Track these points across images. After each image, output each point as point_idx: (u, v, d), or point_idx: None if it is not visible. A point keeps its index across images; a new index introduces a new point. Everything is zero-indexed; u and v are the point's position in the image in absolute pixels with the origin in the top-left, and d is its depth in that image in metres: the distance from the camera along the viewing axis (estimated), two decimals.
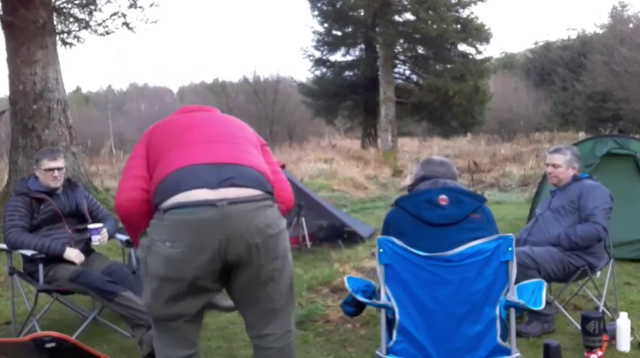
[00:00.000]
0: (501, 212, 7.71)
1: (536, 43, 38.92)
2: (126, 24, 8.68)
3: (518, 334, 2.97)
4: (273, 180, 2.24)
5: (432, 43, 20.27)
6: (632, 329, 3.30)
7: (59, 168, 3.65)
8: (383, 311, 2.48)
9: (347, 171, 13.55)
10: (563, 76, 32.89)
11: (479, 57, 21.02)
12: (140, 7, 8.74)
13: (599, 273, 3.77)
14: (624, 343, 3.25)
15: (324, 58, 22.94)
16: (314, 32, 22.33)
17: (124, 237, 4.03)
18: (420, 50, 21.83)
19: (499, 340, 2.42)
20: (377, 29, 20.33)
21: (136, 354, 3.30)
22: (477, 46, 20.64)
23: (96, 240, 3.62)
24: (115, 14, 8.62)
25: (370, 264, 5.04)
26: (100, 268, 3.56)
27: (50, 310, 3.87)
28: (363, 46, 22.46)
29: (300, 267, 5.26)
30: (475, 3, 19.92)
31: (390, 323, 2.48)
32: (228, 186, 2.00)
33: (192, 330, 2.24)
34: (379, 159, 16.93)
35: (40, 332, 2.96)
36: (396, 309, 2.44)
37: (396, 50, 21.06)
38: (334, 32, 22.35)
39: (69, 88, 44.77)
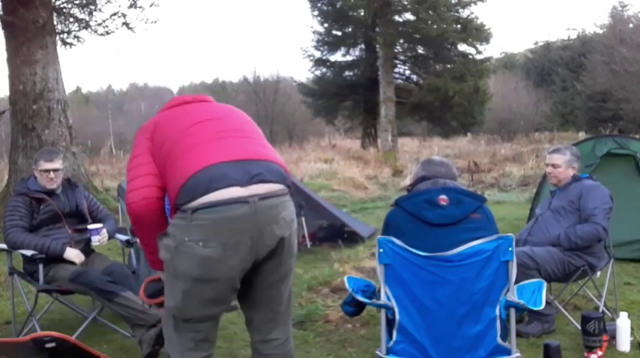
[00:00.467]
0: (501, 212, 7.71)
1: (536, 43, 38.94)
2: (126, 24, 8.70)
3: (518, 334, 2.97)
4: None
5: (432, 43, 20.28)
6: (632, 329, 3.30)
7: (55, 170, 3.64)
8: (383, 311, 2.49)
9: (347, 171, 13.55)
10: (563, 76, 32.90)
11: (479, 57, 21.04)
12: (140, 7, 8.77)
13: (599, 273, 3.77)
14: (624, 343, 3.25)
15: (324, 58, 22.95)
16: (314, 32, 22.35)
17: (123, 237, 4.03)
18: (420, 50, 21.83)
19: (499, 340, 2.42)
20: (377, 29, 20.33)
21: (136, 354, 3.30)
22: (477, 46, 20.65)
23: (96, 240, 3.62)
24: (115, 14, 8.64)
25: (370, 264, 5.04)
26: (100, 268, 3.56)
27: (50, 310, 3.87)
28: (363, 46, 22.46)
29: (300, 267, 5.26)
30: (475, 3, 19.93)
31: (390, 323, 2.48)
32: (258, 183, 1.99)
33: (214, 330, 2.22)
34: (379, 159, 16.93)
35: (40, 332, 2.96)
36: (396, 309, 2.44)
37: (396, 50, 21.06)
38: (334, 32, 22.35)
39: (69, 88, 44.78)
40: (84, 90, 46.70)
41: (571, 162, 3.74)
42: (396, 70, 21.78)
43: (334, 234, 6.58)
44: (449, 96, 19.58)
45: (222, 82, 38.91)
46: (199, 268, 1.99)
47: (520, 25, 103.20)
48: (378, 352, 2.48)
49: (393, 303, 2.44)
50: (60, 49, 8.36)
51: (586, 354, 3.15)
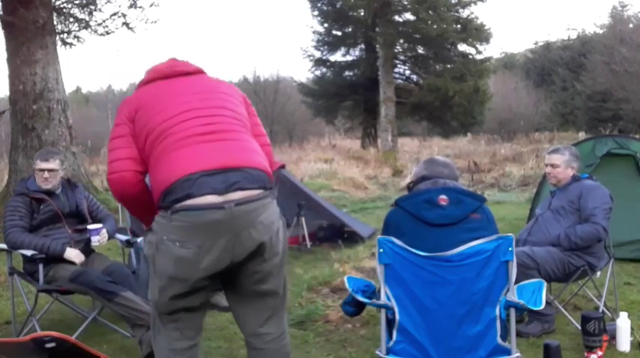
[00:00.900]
0: (501, 212, 7.71)
1: (536, 43, 38.93)
2: (126, 24, 8.69)
3: (518, 334, 2.97)
4: (258, 143, 2.26)
5: (432, 43, 20.28)
6: (632, 329, 3.30)
7: (50, 170, 3.63)
8: (383, 311, 2.49)
9: (347, 171, 13.55)
10: (563, 76, 32.89)
11: (479, 57, 21.03)
12: (140, 7, 8.76)
13: (599, 273, 3.77)
14: (624, 343, 3.25)
15: (324, 58, 22.95)
16: (314, 32, 22.35)
17: (123, 237, 4.03)
18: (420, 50, 21.83)
19: (499, 340, 2.42)
20: (377, 29, 20.33)
21: (136, 354, 3.30)
22: (477, 46, 20.65)
23: (95, 240, 3.62)
24: (115, 14, 8.64)
25: (370, 264, 5.03)
26: (100, 268, 3.56)
27: (50, 310, 3.87)
28: (363, 46, 22.46)
29: (300, 267, 5.26)
30: (475, 3, 19.93)
31: (390, 323, 2.48)
32: (236, 190, 2.04)
33: (195, 320, 2.28)
34: (379, 159, 16.93)
35: (40, 332, 2.96)
36: (396, 309, 2.44)
37: (396, 50, 21.06)
38: (334, 32, 22.35)
39: (69, 88, 44.79)
40: (84, 91, 46.68)
41: (570, 162, 3.74)
42: (396, 70, 21.79)
43: (334, 234, 6.58)
44: (449, 96, 19.58)
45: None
46: (174, 267, 2.08)
47: (520, 25, 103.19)
48: (378, 352, 2.48)
49: (393, 303, 2.44)
50: (60, 49, 8.37)
51: (586, 354, 3.15)
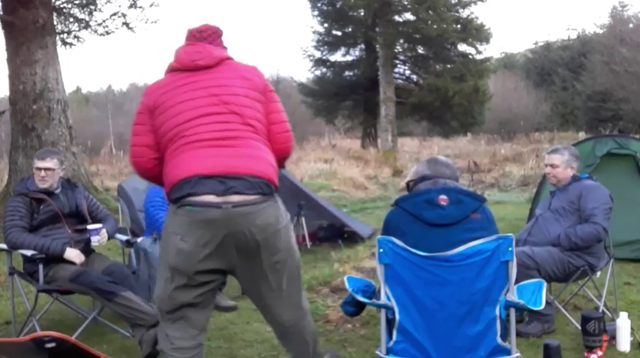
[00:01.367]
0: (501, 212, 7.71)
1: (536, 43, 38.92)
2: (126, 24, 8.69)
3: (518, 334, 2.97)
4: (273, 131, 2.42)
5: (432, 43, 20.27)
6: (632, 329, 3.30)
7: (47, 169, 3.62)
8: (383, 311, 2.49)
9: (347, 171, 13.55)
10: (563, 76, 32.89)
11: (479, 57, 21.03)
12: (140, 7, 8.75)
13: (599, 273, 3.77)
14: (624, 343, 3.25)
15: (324, 58, 22.94)
16: (314, 32, 22.34)
17: (123, 237, 4.03)
18: (420, 50, 21.83)
19: (499, 340, 2.42)
20: (377, 29, 20.33)
21: (136, 354, 3.30)
22: (477, 46, 20.64)
23: (95, 240, 3.62)
24: (115, 14, 8.63)
25: (370, 264, 5.03)
26: (100, 268, 3.55)
27: (50, 310, 3.87)
28: (363, 46, 22.45)
29: (300, 267, 5.25)
30: (475, 3, 19.93)
31: (390, 323, 2.48)
32: (232, 194, 2.21)
33: (198, 319, 2.41)
34: (379, 159, 16.93)
35: (40, 332, 2.96)
36: (396, 309, 2.44)
37: (396, 50, 21.05)
38: (334, 32, 22.34)
39: (69, 88, 44.80)
40: (84, 91, 46.69)
41: (570, 162, 3.74)
42: (396, 70, 21.78)
43: (334, 234, 6.58)
44: (449, 96, 19.57)
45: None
46: (175, 258, 2.28)
47: (520, 25, 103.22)
48: (378, 352, 2.48)
49: (393, 303, 2.44)
50: (60, 49, 8.36)
51: (586, 354, 3.15)
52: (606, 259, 3.71)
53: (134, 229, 4.47)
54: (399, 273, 2.44)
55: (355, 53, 22.76)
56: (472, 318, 2.40)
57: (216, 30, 2.57)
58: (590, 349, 3.14)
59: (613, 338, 3.28)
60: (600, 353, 3.13)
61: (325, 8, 21.65)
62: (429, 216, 2.47)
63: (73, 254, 3.55)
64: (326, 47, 22.63)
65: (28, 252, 3.45)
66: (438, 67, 21.67)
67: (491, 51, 64.46)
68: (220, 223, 2.20)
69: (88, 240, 3.65)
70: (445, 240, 2.42)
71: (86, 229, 3.66)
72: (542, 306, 2.55)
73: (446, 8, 19.57)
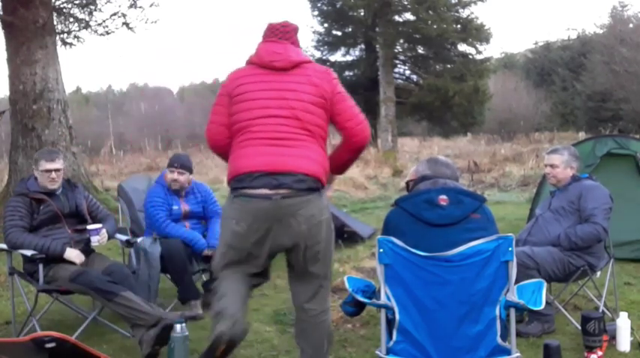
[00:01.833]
0: (501, 212, 7.71)
1: (536, 43, 38.91)
2: (126, 24, 8.68)
3: (518, 334, 2.97)
4: (348, 125, 2.70)
5: (432, 43, 20.28)
6: (632, 329, 3.30)
7: (57, 170, 3.64)
8: (383, 311, 2.49)
9: (347, 171, 13.52)
10: (563, 76, 32.89)
11: (479, 57, 21.03)
12: (140, 7, 8.74)
13: (599, 273, 3.77)
14: (624, 343, 3.25)
15: (324, 58, 22.91)
16: (314, 32, 22.34)
17: (123, 237, 4.04)
18: (420, 50, 21.83)
19: (499, 340, 2.42)
20: (377, 29, 20.33)
21: (136, 354, 3.30)
22: (477, 46, 20.64)
23: (95, 240, 3.62)
24: (115, 14, 8.62)
25: (370, 264, 5.03)
26: (100, 268, 3.55)
27: (50, 310, 3.87)
28: (363, 46, 22.45)
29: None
30: (475, 3, 19.94)
31: (390, 323, 2.48)
32: (282, 188, 2.54)
33: (246, 291, 2.70)
34: (379, 159, 16.91)
35: (40, 332, 2.96)
36: (396, 309, 2.44)
37: (396, 50, 21.05)
38: (334, 32, 22.34)
39: (69, 88, 44.79)
40: (84, 91, 46.72)
41: (569, 162, 3.74)
42: (396, 70, 21.78)
43: (334, 234, 6.56)
44: (449, 96, 19.57)
45: (223, 82, 38.73)
46: (231, 238, 2.64)
47: (520, 25, 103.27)
48: (378, 352, 2.48)
49: (393, 303, 2.44)
50: (60, 49, 8.35)
51: (586, 354, 3.15)
52: (606, 259, 3.71)
53: (134, 229, 4.47)
54: (399, 273, 2.44)
55: (355, 53, 22.78)
56: (472, 318, 2.40)
57: (296, 27, 2.82)
58: (590, 349, 3.14)
59: (613, 338, 3.28)
60: (600, 353, 3.13)
61: (325, 8, 21.65)
62: (429, 216, 2.47)
63: (73, 254, 3.55)
64: (326, 47, 22.63)
65: (28, 252, 3.45)
66: (438, 67, 21.67)
67: (491, 51, 64.48)
68: (270, 212, 2.53)
69: (88, 240, 3.66)
70: (445, 240, 2.42)
71: (86, 229, 3.66)
72: (542, 306, 2.55)
73: (446, 8, 19.58)
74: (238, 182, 2.61)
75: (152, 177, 4.77)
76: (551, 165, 3.78)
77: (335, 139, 3.08)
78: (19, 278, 3.66)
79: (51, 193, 3.65)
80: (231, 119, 2.69)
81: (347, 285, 2.67)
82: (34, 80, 7.67)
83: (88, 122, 29.63)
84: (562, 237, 3.55)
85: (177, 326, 3.07)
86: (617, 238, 4.35)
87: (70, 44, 8.89)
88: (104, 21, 8.65)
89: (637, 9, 41.51)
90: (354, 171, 13.83)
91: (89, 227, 3.63)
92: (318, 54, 22.66)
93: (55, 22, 8.24)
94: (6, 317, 4.15)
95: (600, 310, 3.58)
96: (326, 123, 2.72)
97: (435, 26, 18.77)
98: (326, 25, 22.18)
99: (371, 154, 17.44)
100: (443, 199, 2.48)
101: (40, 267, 3.41)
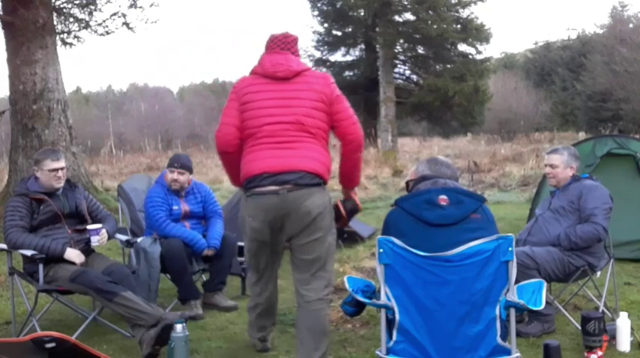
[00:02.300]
0: (501, 212, 7.71)
1: (536, 43, 38.98)
2: (126, 24, 8.68)
3: (518, 334, 2.97)
4: (342, 125, 3.02)
5: (432, 43, 20.26)
6: (632, 329, 3.30)
7: (62, 168, 3.66)
8: (383, 311, 2.48)
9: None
10: (563, 76, 32.92)
11: (479, 57, 21.02)
12: (140, 7, 8.73)
13: (599, 273, 3.77)
14: (624, 343, 3.25)
15: (324, 58, 22.93)
16: (314, 32, 22.35)
17: (123, 237, 4.04)
18: (420, 50, 21.81)
19: (499, 340, 2.42)
20: (377, 29, 20.32)
21: (136, 354, 3.30)
22: (477, 46, 20.63)
23: (95, 240, 3.62)
24: (115, 14, 8.61)
25: (370, 264, 5.03)
26: (100, 268, 3.55)
27: (50, 310, 3.87)
28: (363, 46, 22.45)
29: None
30: (475, 3, 19.92)
31: (390, 323, 2.48)
32: (288, 184, 2.85)
33: (274, 273, 3.26)
34: (379, 159, 16.91)
35: (40, 332, 2.96)
36: (396, 309, 2.44)
37: (396, 50, 21.04)
38: (334, 32, 22.34)
39: (69, 88, 44.78)
40: (84, 91, 46.74)
41: (569, 162, 3.74)
42: (396, 70, 21.77)
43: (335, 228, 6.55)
44: (449, 96, 19.56)
45: (223, 81, 38.88)
46: (251, 233, 3.03)
47: (520, 25, 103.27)
48: (378, 352, 2.48)
49: (393, 303, 2.44)
50: (60, 49, 8.35)
51: (586, 354, 3.15)
52: (606, 259, 3.71)
53: (134, 229, 4.47)
54: (399, 273, 2.44)
55: (355, 53, 22.78)
56: (472, 318, 2.40)
57: (296, 38, 3.11)
58: (590, 349, 3.14)
59: (613, 338, 3.28)
60: (600, 353, 3.13)
61: (325, 8, 21.64)
62: (429, 217, 2.47)
63: (74, 254, 3.55)
64: (326, 47, 22.63)
65: (28, 252, 3.45)
66: (438, 67, 21.66)
67: (491, 51, 64.55)
68: (279, 205, 2.86)
69: (88, 240, 3.65)
70: (445, 240, 2.42)
71: (86, 229, 3.66)
72: (542, 306, 2.54)
73: (446, 8, 19.56)
74: (250, 182, 2.93)
75: (152, 177, 4.77)
76: (551, 165, 3.78)
77: (334, 139, 3.13)
78: (19, 278, 3.66)
79: (51, 193, 3.65)
80: (242, 125, 2.98)
81: (347, 285, 2.67)
82: (34, 80, 7.67)
83: (88, 122, 29.64)
84: (562, 237, 3.55)
85: (178, 326, 3.07)
86: (617, 238, 4.35)
87: (70, 44, 8.90)
88: (104, 21, 8.65)
89: (637, 9, 41.56)
90: None
91: (89, 227, 3.63)
92: (318, 54, 22.72)
93: (55, 22, 8.23)
94: (6, 317, 4.15)
95: (600, 310, 3.58)
96: (326, 124, 3.01)
97: (435, 26, 18.75)
98: (326, 25, 22.18)
99: (371, 154, 17.45)
100: (443, 199, 2.48)
101: (40, 267, 3.41)
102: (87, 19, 8.72)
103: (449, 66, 20.88)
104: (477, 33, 19.93)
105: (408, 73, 22.73)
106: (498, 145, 21.16)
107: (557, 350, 2.99)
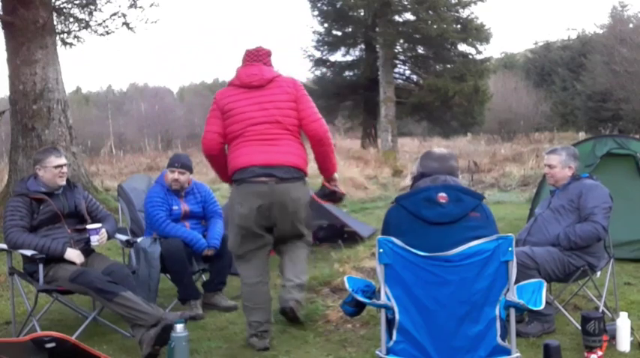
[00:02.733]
0: (501, 212, 7.70)
1: (536, 43, 38.97)
2: (126, 24, 8.67)
3: (518, 334, 2.97)
4: (304, 122, 3.40)
5: (432, 43, 20.24)
6: (632, 329, 3.30)
7: (65, 165, 3.69)
8: (383, 311, 2.48)
9: (347, 171, 13.51)
10: (563, 76, 32.92)
11: (479, 57, 20.99)
12: (140, 7, 8.73)
13: (599, 273, 3.77)
14: (624, 343, 3.25)
15: (324, 58, 22.90)
16: (314, 32, 22.31)
17: (123, 237, 4.03)
18: (420, 50, 21.79)
19: (499, 340, 2.42)
20: (377, 29, 20.30)
21: (136, 354, 3.30)
22: (477, 46, 20.60)
23: (95, 240, 3.62)
24: (115, 14, 8.61)
25: (370, 264, 5.03)
26: (100, 268, 3.55)
27: (50, 310, 3.87)
28: (363, 46, 22.42)
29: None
30: (475, 3, 19.90)
31: (390, 323, 2.48)
32: (275, 177, 3.28)
33: (260, 263, 3.48)
34: (379, 159, 16.90)
35: (40, 332, 2.96)
36: (396, 309, 2.44)
37: (396, 50, 21.02)
38: (334, 32, 22.31)
39: (69, 88, 44.77)
40: (84, 91, 46.75)
41: (567, 162, 3.74)
42: (396, 70, 21.74)
43: (334, 234, 6.57)
44: (449, 96, 19.54)
45: (223, 82, 38.86)
46: (238, 219, 3.37)
47: (520, 25, 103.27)
48: (378, 352, 2.48)
49: (393, 303, 2.44)
50: (60, 49, 8.34)
51: (586, 354, 3.15)
52: (606, 259, 3.71)
53: (134, 229, 4.47)
54: (399, 273, 2.44)
55: (355, 53, 22.75)
56: (472, 318, 2.40)
57: (268, 51, 3.54)
58: (590, 349, 3.13)
59: (613, 338, 3.28)
60: (600, 353, 3.13)
61: (325, 8, 21.62)
62: (428, 215, 2.46)
63: (74, 254, 3.55)
64: (326, 47, 22.60)
65: (28, 252, 3.45)
66: (438, 67, 21.64)
67: (491, 51, 64.53)
68: (267, 194, 3.28)
69: (88, 240, 3.66)
70: (445, 238, 2.42)
71: (86, 229, 3.66)
72: (542, 306, 2.54)
73: (446, 8, 19.54)
74: (240, 174, 3.32)
75: (152, 177, 4.78)
76: (549, 166, 3.79)
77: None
78: (19, 278, 3.66)
79: (51, 193, 3.65)
80: (225, 130, 3.40)
81: (347, 285, 2.67)
82: (34, 80, 7.67)
83: (88, 122, 29.64)
84: (561, 236, 3.55)
85: (177, 326, 3.08)
86: (617, 238, 4.35)
87: (70, 44, 8.89)
88: (104, 21, 8.64)
89: (637, 9, 41.56)
90: (354, 171, 13.83)
91: (89, 227, 3.63)
92: (318, 54, 22.69)
93: (55, 22, 8.23)
94: (6, 317, 4.15)
95: (600, 310, 3.58)
96: (299, 121, 3.42)
97: (435, 26, 18.73)
98: (326, 25, 22.15)
99: (371, 154, 17.45)
100: (442, 197, 2.47)
101: (40, 267, 3.41)
102: (87, 19, 8.72)
103: (449, 66, 20.86)
104: (476, 33, 19.91)
105: (408, 73, 22.72)
106: (498, 145, 21.16)
107: (557, 350, 2.99)
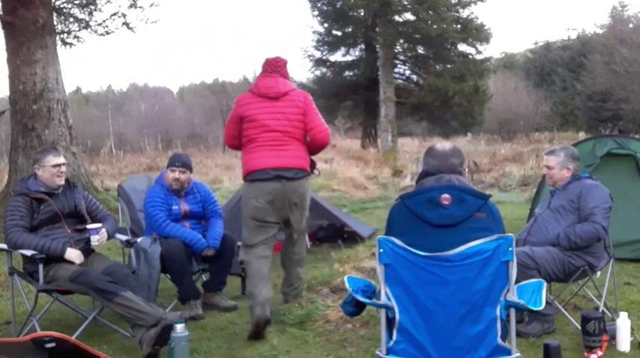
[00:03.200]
0: (501, 212, 7.49)
1: (536, 43, 38.98)
2: (126, 24, 8.68)
3: (518, 334, 2.97)
4: (312, 132, 3.92)
5: (432, 43, 20.26)
6: (632, 329, 3.30)
7: (64, 164, 3.69)
8: (383, 311, 2.48)
9: (347, 171, 13.53)
10: (563, 76, 32.92)
11: (479, 57, 21.01)
12: (140, 7, 8.73)
13: (599, 273, 3.76)
14: (624, 343, 3.25)
15: (324, 58, 22.91)
16: (314, 32, 22.32)
17: (123, 237, 4.04)
18: (420, 50, 21.80)
19: (499, 340, 2.42)
20: (377, 29, 20.31)
21: (136, 354, 3.30)
22: (477, 46, 20.62)
23: (95, 240, 3.62)
24: (115, 14, 8.61)
25: (370, 263, 5.03)
26: (100, 268, 3.55)
27: (50, 310, 3.87)
28: (363, 46, 22.43)
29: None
30: (475, 3, 19.91)
31: (390, 323, 2.48)
32: (285, 177, 3.81)
33: (267, 248, 3.89)
34: (379, 159, 16.92)
35: (40, 332, 2.96)
36: (396, 309, 2.44)
37: (396, 50, 21.03)
38: (334, 32, 22.32)
39: (69, 88, 44.76)
40: (84, 91, 46.74)
41: (565, 163, 3.74)
42: (396, 70, 21.76)
43: (334, 234, 6.57)
44: (449, 96, 19.55)
45: (223, 82, 38.86)
46: (252, 212, 3.85)
47: (520, 25, 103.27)
48: (378, 352, 2.48)
49: (393, 303, 2.44)
50: (60, 49, 8.34)
51: (586, 354, 3.15)
52: (606, 259, 3.71)
53: (134, 229, 4.47)
54: (399, 273, 2.43)
55: (355, 53, 22.76)
56: (472, 318, 2.40)
57: (285, 62, 4.03)
58: (590, 349, 3.13)
59: (613, 338, 3.28)
60: (600, 353, 3.13)
61: (325, 8, 21.63)
62: (431, 217, 2.43)
63: (74, 254, 3.55)
64: (326, 47, 22.61)
65: (29, 252, 3.45)
66: (438, 67, 21.65)
67: (491, 51, 64.53)
68: (279, 191, 3.80)
69: (88, 240, 3.66)
70: (448, 240, 2.39)
71: (86, 229, 3.66)
72: (542, 306, 2.53)
73: (446, 8, 19.55)
74: (254, 175, 3.83)
75: (152, 177, 4.77)
76: (548, 167, 3.79)
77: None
78: (19, 278, 3.66)
79: (51, 193, 3.65)
80: (243, 133, 3.92)
81: (347, 285, 2.66)
82: (34, 80, 7.67)
83: (88, 122, 29.65)
84: (561, 236, 3.55)
85: (178, 326, 3.07)
86: (617, 238, 4.35)
87: (70, 44, 8.89)
88: (104, 21, 8.65)
89: (637, 9, 41.56)
90: (354, 171, 13.84)
91: (89, 226, 3.63)
92: (318, 54, 22.70)
93: (55, 22, 8.23)
94: (6, 317, 4.15)
95: (600, 310, 3.58)
96: (304, 130, 3.94)
97: (435, 26, 18.74)
98: (326, 25, 22.16)
99: (371, 154, 17.46)
100: (445, 198, 2.43)
101: (40, 267, 3.41)
102: (87, 19, 8.72)
103: (449, 66, 20.87)
104: (476, 33, 19.92)
105: (408, 73, 22.73)
106: (498, 145, 21.17)
107: (557, 350, 2.99)
